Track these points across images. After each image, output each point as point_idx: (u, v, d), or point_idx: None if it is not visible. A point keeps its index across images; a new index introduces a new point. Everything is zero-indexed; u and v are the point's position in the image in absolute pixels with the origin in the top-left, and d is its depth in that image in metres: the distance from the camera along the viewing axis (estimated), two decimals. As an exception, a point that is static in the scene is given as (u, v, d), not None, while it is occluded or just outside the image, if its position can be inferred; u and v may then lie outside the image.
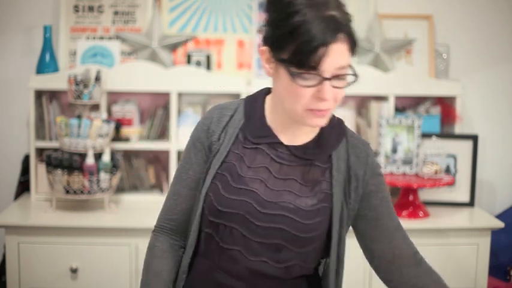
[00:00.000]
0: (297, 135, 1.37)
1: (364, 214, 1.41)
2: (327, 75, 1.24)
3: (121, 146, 2.81)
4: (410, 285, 1.41)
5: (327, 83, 1.24)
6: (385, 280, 1.46)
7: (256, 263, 1.34)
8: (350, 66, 1.29)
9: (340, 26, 1.24)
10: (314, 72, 1.23)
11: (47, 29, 2.81)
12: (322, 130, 1.38)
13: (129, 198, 2.84)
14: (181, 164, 1.45)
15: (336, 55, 1.24)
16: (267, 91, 1.42)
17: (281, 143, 1.36)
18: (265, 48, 1.30)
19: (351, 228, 1.45)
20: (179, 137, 2.83)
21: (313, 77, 1.23)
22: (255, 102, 1.41)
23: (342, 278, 1.43)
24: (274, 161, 1.36)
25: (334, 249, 1.37)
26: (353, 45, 1.28)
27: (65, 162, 2.63)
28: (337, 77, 1.26)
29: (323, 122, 1.30)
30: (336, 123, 1.41)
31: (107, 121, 2.71)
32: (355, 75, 1.30)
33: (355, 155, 1.39)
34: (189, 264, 1.41)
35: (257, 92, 1.44)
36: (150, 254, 1.45)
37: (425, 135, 2.84)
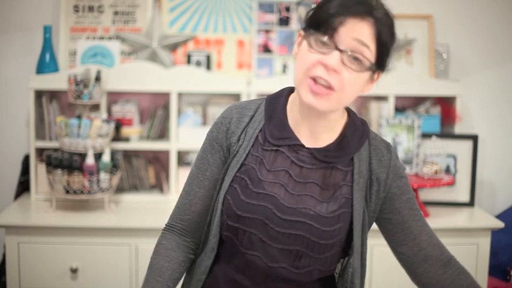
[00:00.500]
0: (318, 136, 1.33)
1: (388, 218, 1.39)
2: (341, 46, 1.21)
3: (121, 146, 2.81)
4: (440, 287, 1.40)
5: (335, 52, 1.21)
6: (417, 283, 1.45)
7: (275, 269, 1.32)
8: (370, 54, 1.24)
9: (369, 11, 1.23)
10: (330, 38, 1.21)
11: (47, 29, 2.81)
12: (345, 132, 1.34)
13: (129, 198, 2.84)
14: (196, 164, 1.41)
15: (353, 29, 1.21)
16: (290, 90, 1.39)
17: (302, 145, 1.33)
18: (300, 31, 1.29)
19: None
20: (179, 137, 2.83)
21: (328, 45, 1.22)
22: (277, 102, 1.37)
23: (364, 279, 1.42)
24: (295, 164, 1.33)
25: (357, 256, 1.35)
26: (380, 38, 1.24)
27: (65, 162, 2.63)
28: (352, 54, 1.22)
29: (319, 103, 1.24)
30: (359, 125, 1.37)
31: (107, 121, 2.71)
32: (371, 65, 1.25)
33: (377, 158, 1.36)
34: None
35: (280, 90, 1.40)
36: (155, 251, 1.44)
37: (425, 135, 2.84)
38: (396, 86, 2.86)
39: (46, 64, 2.80)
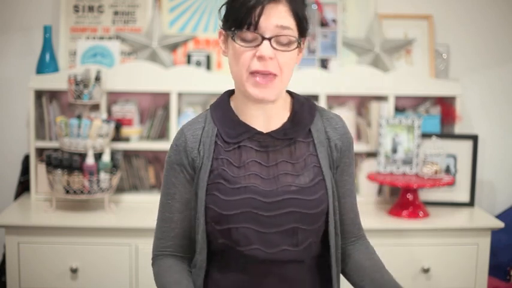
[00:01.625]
0: (272, 120, 1.39)
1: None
2: (267, 34, 1.28)
3: (121, 146, 2.81)
4: (345, 258, 1.48)
5: (265, 42, 1.27)
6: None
7: (277, 254, 1.35)
8: (293, 32, 1.31)
9: None
10: (254, 31, 1.28)
11: (47, 29, 2.81)
12: (294, 108, 1.41)
13: (129, 198, 2.84)
14: (163, 191, 1.45)
15: (273, 15, 1.28)
16: (229, 93, 1.46)
17: (260, 133, 1.38)
18: (220, 30, 1.37)
19: None
20: (179, 137, 2.83)
21: (254, 38, 1.28)
22: (221, 106, 1.43)
23: (339, 251, 1.44)
24: (260, 152, 1.38)
25: (332, 223, 1.39)
26: (296, 13, 1.30)
27: (65, 162, 2.63)
28: (277, 38, 1.28)
29: (268, 93, 1.31)
30: (304, 100, 1.44)
31: (107, 121, 2.71)
32: (298, 42, 1.31)
33: (332, 126, 1.43)
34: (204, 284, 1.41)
35: (219, 97, 1.47)
36: (159, 277, 1.44)
37: (425, 135, 2.84)
38: (396, 86, 2.86)
39: (46, 64, 2.80)
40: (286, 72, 1.32)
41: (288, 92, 1.45)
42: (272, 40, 1.28)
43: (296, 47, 1.31)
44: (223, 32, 1.36)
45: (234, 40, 1.30)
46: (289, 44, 1.30)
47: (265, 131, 1.38)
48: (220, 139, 1.39)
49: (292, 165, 1.37)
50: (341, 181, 1.44)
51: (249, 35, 1.28)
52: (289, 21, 1.29)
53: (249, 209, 1.33)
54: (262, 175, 1.36)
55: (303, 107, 1.42)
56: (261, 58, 1.28)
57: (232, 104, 1.43)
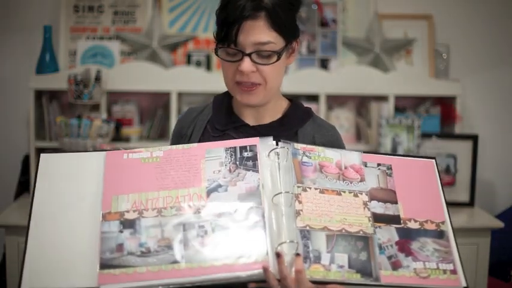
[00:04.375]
0: (263, 117, 1.43)
1: None
2: (247, 50, 1.31)
3: (121, 146, 2.81)
4: None
5: (245, 58, 1.31)
6: None
7: None
8: (275, 45, 1.32)
9: (259, 5, 1.30)
10: (234, 47, 1.31)
11: (47, 29, 2.81)
12: (287, 112, 1.45)
13: (129, 198, 2.84)
14: None
15: (251, 32, 1.30)
16: None
17: (247, 125, 1.42)
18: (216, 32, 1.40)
19: None
20: (179, 137, 2.83)
21: (236, 53, 1.32)
22: (222, 97, 1.50)
23: None
24: None
25: None
26: (277, 25, 1.31)
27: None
28: (258, 53, 1.31)
29: (253, 99, 1.36)
30: (302, 107, 1.48)
31: (107, 121, 2.71)
32: (278, 54, 1.33)
33: (321, 133, 1.45)
34: None
35: (225, 91, 1.51)
36: None
37: (425, 135, 2.84)
38: (396, 86, 2.86)
39: (46, 64, 2.80)
40: (272, 81, 1.35)
41: (290, 99, 1.49)
42: (253, 55, 1.31)
43: (277, 60, 1.33)
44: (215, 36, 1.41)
45: (217, 54, 1.35)
46: (271, 56, 1.32)
47: (252, 124, 1.44)
48: (211, 125, 1.45)
49: None
50: None
51: (229, 50, 1.32)
52: (270, 36, 1.31)
53: None
54: None
55: (297, 113, 1.46)
56: (241, 72, 1.32)
57: (233, 98, 1.48)
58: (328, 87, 2.85)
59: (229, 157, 1.28)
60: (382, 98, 2.91)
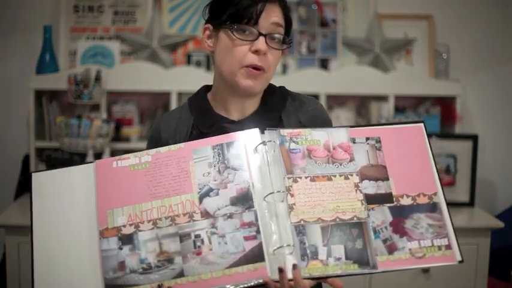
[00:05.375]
0: (246, 107, 1.43)
1: None
2: (263, 31, 1.34)
3: (121, 146, 2.81)
4: None
5: (261, 38, 1.34)
6: None
7: None
8: (283, 31, 1.38)
9: None
10: (252, 26, 1.33)
11: (47, 29, 2.81)
12: (265, 97, 1.45)
13: (129, 198, 2.84)
14: None
15: (271, 13, 1.35)
16: (206, 87, 1.52)
17: (232, 121, 1.42)
18: (207, 25, 1.41)
19: None
20: (179, 137, 2.83)
21: (251, 32, 1.34)
22: (198, 99, 1.49)
23: None
24: None
25: None
26: (286, 13, 1.39)
27: (65, 162, 2.63)
28: (271, 35, 1.35)
29: (255, 85, 1.37)
30: (277, 88, 1.48)
31: (107, 121, 2.71)
32: (289, 39, 1.40)
33: (303, 109, 1.46)
34: None
35: (197, 90, 1.53)
36: None
37: (425, 135, 2.84)
38: (396, 86, 2.86)
39: (46, 64, 2.80)
40: (271, 70, 1.39)
41: None
42: (268, 37, 1.34)
43: (285, 48, 1.39)
44: (210, 27, 1.40)
45: (232, 33, 1.34)
46: (279, 41, 1.37)
47: (237, 119, 1.43)
48: (196, 129, 1.44)
49: None
50: None
51: (246, 29, 1.34)
52: (282, 20, 1.37)
53: None
54: None
55: (274, 95, 1.46)
56: (257, 52, 1.34)
57: (209, 97, 1.49)
58: (328, 87, 2.85)
59: (217, 156, 1.27)
60: (382, 98, 2.91)
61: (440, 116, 2.94)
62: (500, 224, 2.61)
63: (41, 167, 2.77)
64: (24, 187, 2.90)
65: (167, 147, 1.30)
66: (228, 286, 1.18)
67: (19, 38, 3.00)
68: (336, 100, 2.98)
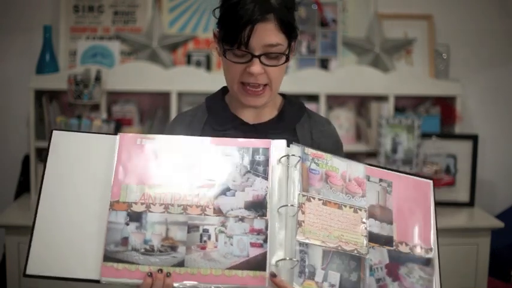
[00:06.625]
0: (262, 114, 1.44)
1: None
2: (256, 52, 1.31)
3: (121, 146, 2.81)
4: None
5: (255, 60, 1.31)
6: None
7: None
8: (283, 46, 1.33)
9: (270, 8, 1.30)
10: (244, 49, 1.30)
11: (47, 29, 2.81)
12: (283, 108, 1.46)
13: (129, 198, 2.84)
14: None
15: (263, 34, 1.30)
16: (223, 89, 1.50)
17: (246, 124, 1.42)
18: (216, 30, 1.39)
19: None
20: (179, 137, 2.83)
21: (244, 54, 1.32)
22: (215, 98, 1.50)
23: None
24: None
25: None
26: (286, 27, 1.33)
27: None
28: (267, 55, 1.32)
29: (259, 101, 1.37)
30: (296, 102, 1.50)
31: (107, 121, 2.71)
32: (287, 56, 1.35)
33: (318, 128, 1.47)
34: None
35: (216, 91, 1.52)
36: None
37: (425, 135, 2.84)
38: (396, 86, 2.86)
39: (46, 64, 2.80)
40: (277, 82, 1.37)
41: (281, 94, 1.50)
42: (262, 57, 1.31)
43: (286, 61, 1.35)
44: (216, 33, 1.39)
45: (225, 56, 1.34)
46: (278, 58, 1.33)
47: (252, 122, 1.44)
48: (209, 126, 1.44)
49: None
50: None
51: (239, 52, 1.32)
52: (278, 37, 1.32)
53: None
54: None
55: (293, 107, 1.47)
56: (250, 74, 1.32)
57: (226, 98, 1.48)
58: (328, 87, 2.85)
59: (241, 158, 1.28)
60: (382, 98, 2.91)
61: (440, 116, 2.94)
62: (500, 224, 2.62)
63: (40, 167, 2.77)
64: (24, 187, 2.90)
65: (192, 137, 1.31)
66: (223, 286, 1.18)
67: (19, 38, 3.00)
68: (336, 100, 2.98)
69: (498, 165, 3.17)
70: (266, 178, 1.26)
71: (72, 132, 1.31)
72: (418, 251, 1.31)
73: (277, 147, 1.28)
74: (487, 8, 3.10)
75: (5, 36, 3.00)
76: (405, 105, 3.01)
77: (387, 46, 2.98)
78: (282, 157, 1.27)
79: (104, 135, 1.31)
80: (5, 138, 3.05)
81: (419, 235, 1.32)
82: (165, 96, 2.90)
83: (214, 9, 1.39)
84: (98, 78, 2.73)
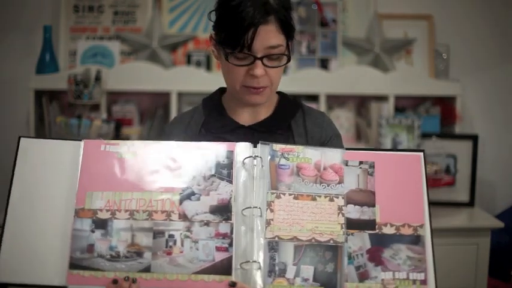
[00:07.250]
0: (258, 114, 1.46)
1: None
2: (258, 54, 1.31)
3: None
4: None
5: (258, 62, 1.31)
6: None
7: None
8: (283, 47, 1.35)
9: (270, 9, 1.29)
10: (246, 52, 1.31)
11: (47, 29, 2.81)
12: (278, 106, 1.48)
13: (129, 198, 2.84)
14: None
15: (265, 36, 1.30)
16: (221, 89, 1.51)
17: (242, 126, 1.43)
18: (213, 33, 1.39)
19: None
20: (179, 137, 2.83)
21: (246, 57, 1.32)
22: (212, 100, 1.51)
23: None
24: None
25: None
26: (285, 28, 1.34)
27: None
28: (268, 56, 1.32)
29: (260, 99, 1.38)
30: (291, 99, 1.51)
31: (107, 121, 2.71)
32: (288, 56, 1.36)
33: (312, 121, 1.48)
34: None
35: (213, 92, 1.52)
36: None
37: (425, 135, 2.84)
38: (396, 86, 2.86)
39: (46, 64, 2.80)
40: (276, 81, 1.38)
41: (277, 92, 1.51)
42: (264, 59, 1.32)
43: (288, 61, 1.36)
44: (214, 38, 1.40)
45: (226, 57, 1.33)
46: (279, 59, 1.35)
47: (248, 124, 1.45)
48: (205, 129, 1.45)
49: None
50: None
51: (240, 55, 1.32)
52: (279, 39, 1.33)
53: None
54: None
55: (287, 104, 1.49)
56: (254, 76, 1.33)
57: (223, 99, 1.49)
58: (328, 87, 2.85)
59: (205, 162, 1.27)
60: (382, 98, 2.91)
61: (440, 116, 2.94)
62: (500, 224, 2.61)
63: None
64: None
65: (157, 142, 1.30)
66: None
67: (19, 37, 3.00)
68: (336, 100, 2.98)
69: (498, 165, 3.17)
70: (231, 181, 1.25)
71: (39, 139, 1.34)
72: (406, 229, 1.26)
73: (242, 149, 1.28)
74: (487, 8, 3.10)
75: (5, 36, 3.00)
76: (405, 105, 3.01)
77: (387, 46, 2.98)
78: (246, 158, 1.27)
79: (69, 141, 1.31)
80: (5, 138, 3.04)
81: (408, 212, 1.27)
82: (165, 96, 2.90)
83: (210, 12, 1.39)
84: (98, 78, 2.73)
